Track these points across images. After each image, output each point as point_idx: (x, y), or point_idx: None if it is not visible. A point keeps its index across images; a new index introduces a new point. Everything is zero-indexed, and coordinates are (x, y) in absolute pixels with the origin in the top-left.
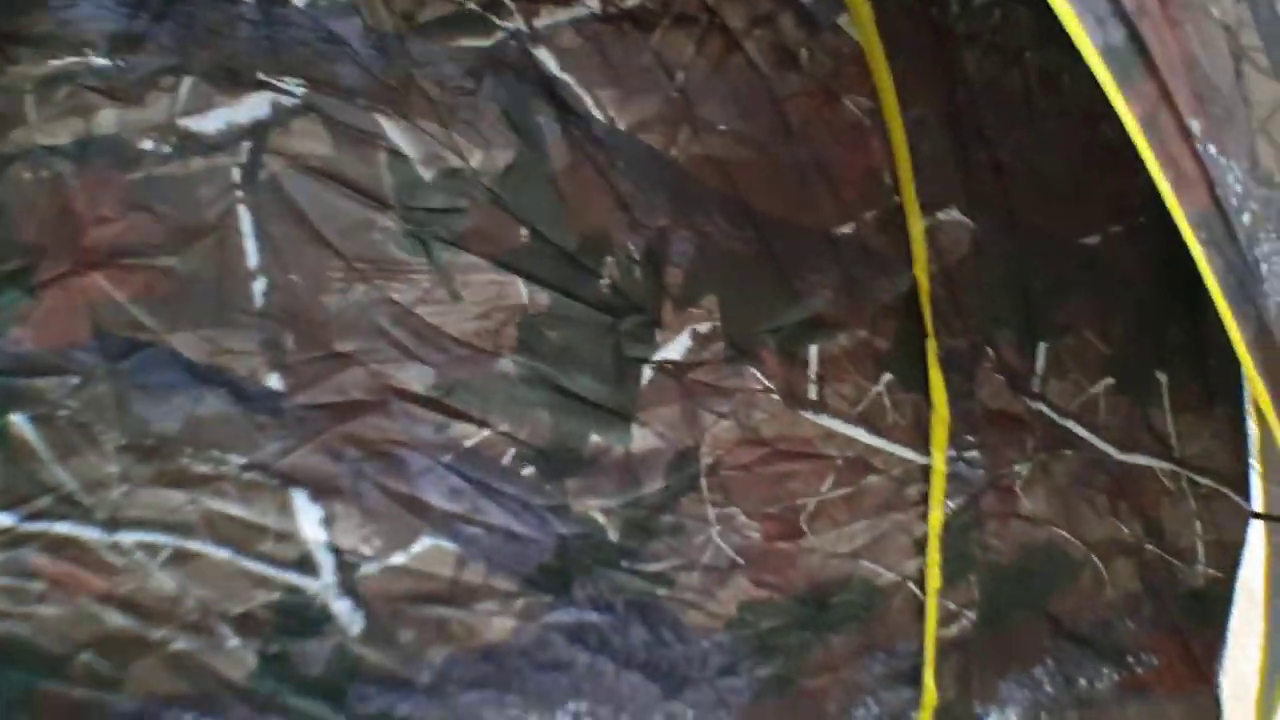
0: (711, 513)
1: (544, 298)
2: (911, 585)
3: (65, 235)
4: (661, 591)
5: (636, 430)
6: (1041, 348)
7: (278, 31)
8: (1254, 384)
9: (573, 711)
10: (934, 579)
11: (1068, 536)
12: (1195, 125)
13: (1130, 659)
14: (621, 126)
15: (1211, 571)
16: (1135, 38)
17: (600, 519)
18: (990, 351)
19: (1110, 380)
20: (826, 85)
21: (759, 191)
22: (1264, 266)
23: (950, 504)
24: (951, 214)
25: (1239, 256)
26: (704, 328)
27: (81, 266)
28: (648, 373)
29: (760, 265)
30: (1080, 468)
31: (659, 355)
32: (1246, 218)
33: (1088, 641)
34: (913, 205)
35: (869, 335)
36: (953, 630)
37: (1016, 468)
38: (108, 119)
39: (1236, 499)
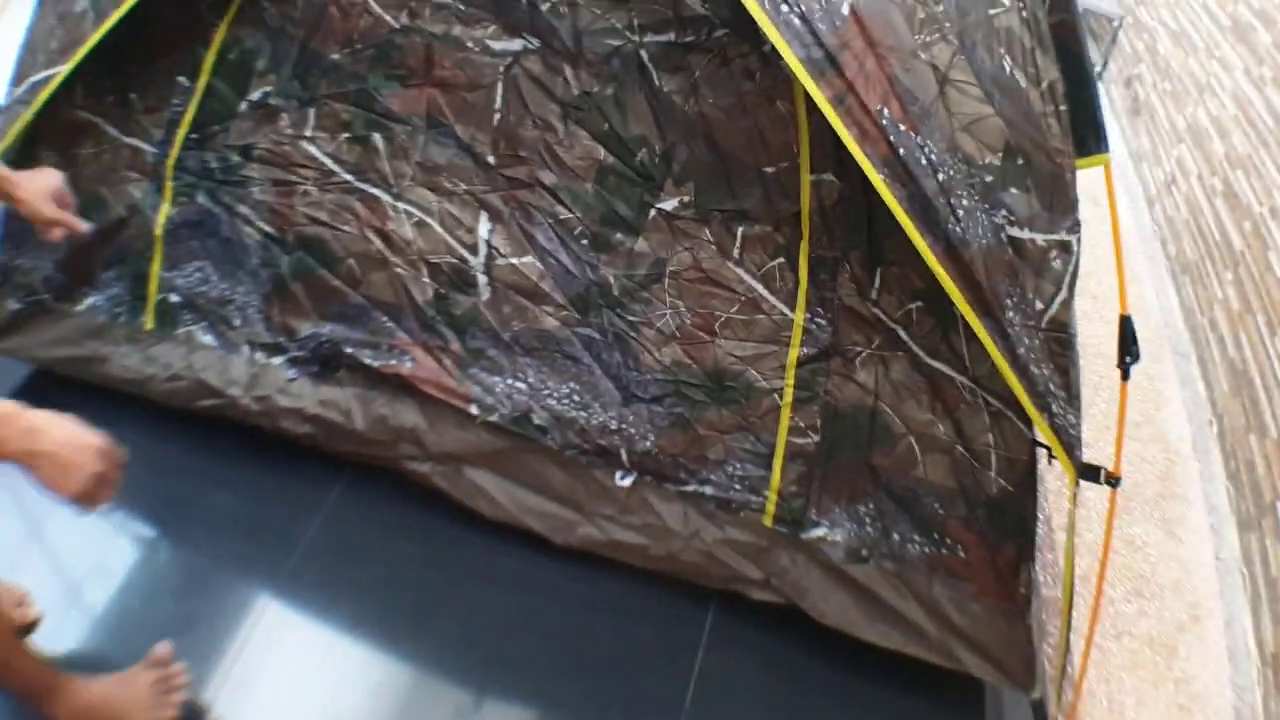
0: (668, 299)
1: (611, 160)
2: (776, 397)
3: (425, 70)
4: (632, 334)
5: (641, 240)
6: (878, 271)
7: (535, 16)
8: (946, 284)
9: (571, 388)
10: (788, 396)
11: (891, 413)
12: (885, 110)
13: (938, 538)
14: (666, 89)
15: (1002, 482)
16: (830, 57)
17: (611, 280)
18: (847, 265)
19: (920, 303)
20: (769, 93)
21: (725, 138)
22: (960, 211)
23: (805, 350)
24: (828, 176)
25: (918, 189)
26: (685, 199)
27: (428, 84)
28: (652, 213)
29: (719, 175)
30: (908, 368)
31: (659, 205)
32: (941, 176)
33: (901, 503)
34: (805, 166)
35: (774, 231)
36: (799, 442)
37: (859, 349)
38: (458, 31)
39: (1018, 423)
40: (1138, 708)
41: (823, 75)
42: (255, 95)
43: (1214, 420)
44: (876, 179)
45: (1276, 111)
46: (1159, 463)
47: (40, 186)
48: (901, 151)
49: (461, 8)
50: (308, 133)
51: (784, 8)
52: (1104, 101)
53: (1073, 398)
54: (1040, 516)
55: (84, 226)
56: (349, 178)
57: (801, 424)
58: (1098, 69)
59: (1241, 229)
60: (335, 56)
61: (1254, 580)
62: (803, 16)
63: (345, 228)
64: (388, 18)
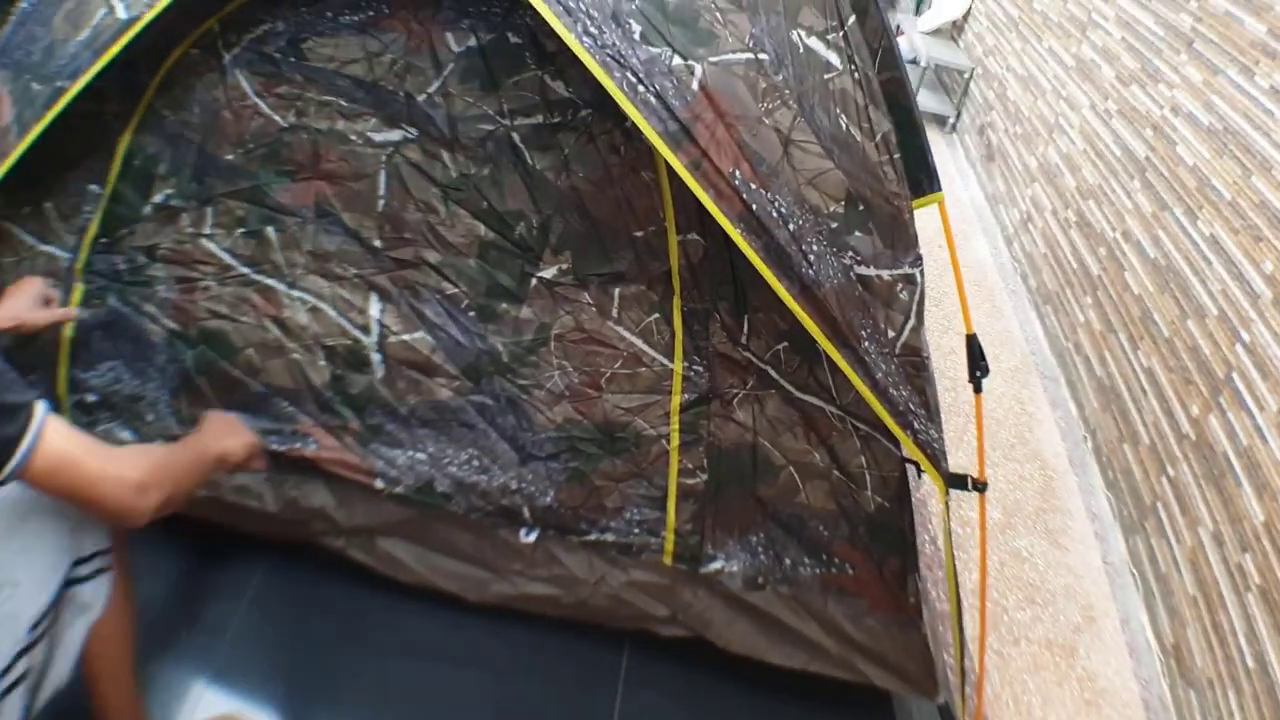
0: (555, 361)
1: (492, 235)
2: (664, 442)
3: (312, 164)
4: (524, 397)
5: (525, 308)
6: (746, 317)
7: (413, 108)
8: (805, 322)
9: (470, 454)
10: (674, 440)
11: (770, 447)
12: (737, 172)
13: (826, 558)
14: (539, 167)
15: (879, 500)
16: (684, 129)
17: (500, 347)
18: (717, 315)
19: (786, 343)
20: (633, 164)
21: (596, 208)
22: (812, 256)
23: (686, 396)
24: (693, 235)
25: (772, 240)
26: (563, 266)
27: (316, 177)
28: (533, 282)
29: (593, 243)
30: (781, 404)
31: (539, 274)
32: (792, 226)
33: (789, 529)
34: (671, 228)
35: (648, 289)
36: (689, 482)
37: (735, 391)
38: (342, 125)
39: (886, 443)
40: (1044, 706)
41: (679, 145)
42: (158, 198)
43: (1088, 435)
44: (734, 233)
45: (1123, 141)
46: (1037, 480)
47: (24, 302)
48: (755, 207)
49: (344, 104)
50: (206, 230)
51: (640, 89)
52: (959, 150)
53: (932, 414)
54: (927, 535)
55: (75, 313)
56: (246, 270)
57: (690, 465)
58: (952, 120)
59: (1097, 255)
60: (229, 157)
61: (1145, 579)
62: (658, 95)
63: (244, 319)
64: (276, 118)
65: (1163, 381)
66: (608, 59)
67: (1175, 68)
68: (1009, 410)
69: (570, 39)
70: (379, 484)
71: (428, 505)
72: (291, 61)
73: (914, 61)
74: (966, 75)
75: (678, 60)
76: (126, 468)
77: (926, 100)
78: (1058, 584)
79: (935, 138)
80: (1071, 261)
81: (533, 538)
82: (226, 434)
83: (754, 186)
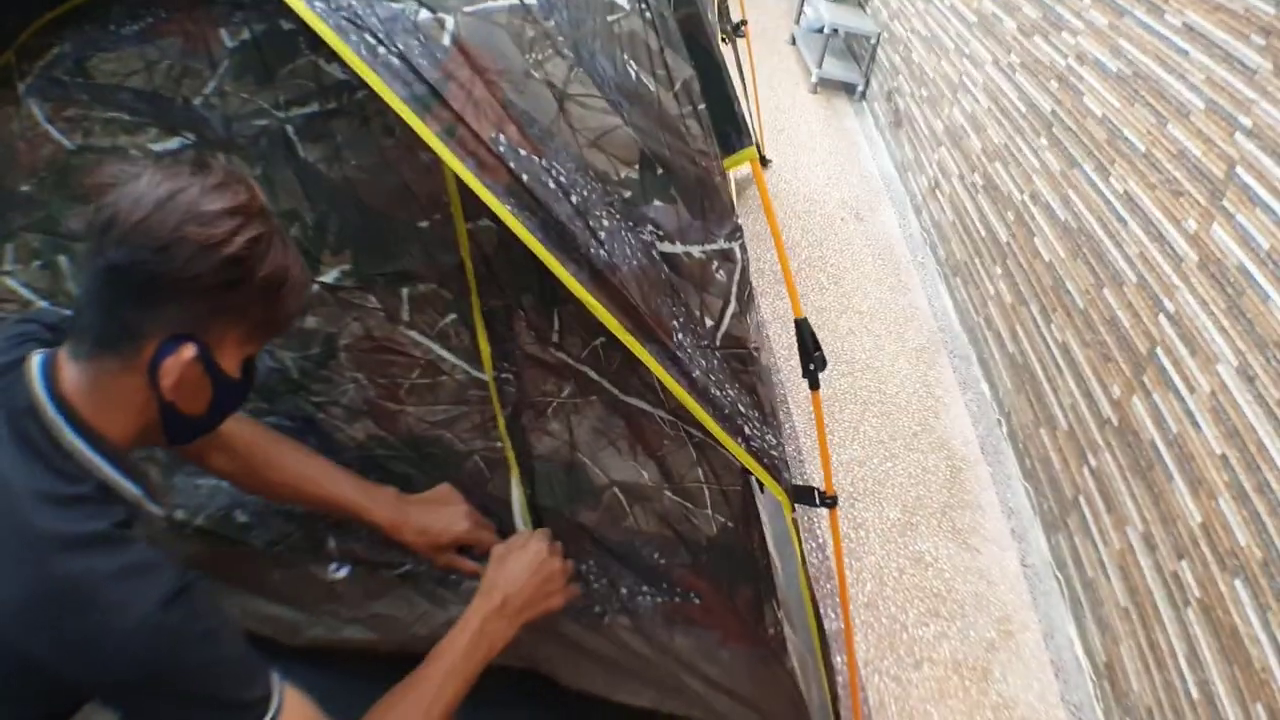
0: (347, 374)
1: None
2: (478, 459)
3: (98, 185)
4: (320, 415)
5: (309, 317)
6: (555, 312)
7: (190, 112)
8: (599, 313)
9: None
10: (510, 455)
11: (591, 465)
12: (501, 136)
13: (667, 587)
14: (310, 159)
15: (720, 519)
16: (433, 91)
17: (289, 363)
18: (522, 312)
19: (604, 338)
20: (410, 145)
21: (374, 198)
22: (602, 233)
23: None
24: (484, 222)
25: (550, 216)
26: (345, 268)
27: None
28: (315, 287)
29: (374, 238)
30: (604, 412)
31: (320, 279)
32: (575, 198)
33: (621, 558)
34: (459, 214)
35: (440, 288)
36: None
37: (550, 399)
38: (124, 140)
39: (724, 451)
40: None
41: (428, 110)
42: None
43: (1002, 419)
44: (502, 210)
45: (1027, 96)
46: (943, 471)
47: (435, 528)
48: (525, 178)
49: (127, 117)
50: (7, 267)
51: (381, 50)
52: (868, 118)
53: (768, 417)
54: (814, 544)
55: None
56: (44, 304)
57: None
58: (860, 88)
59: (1005, 220)
60: (25, 188)
61: (1070, 584)
62: (401, 55)
63: None
64: (65, 141)
65: (1079, 359)
66: (342, 22)
67: (1078, 13)
68: (913, 394)
69: (297, 3)
70: (179, 514)
71: (229, 539)
72: (79, 82)
73: (820, 30)
74: (873, 41)
75: (425, 14)
76: None
77: (834, 69)
78: (967, 592)
79: (844, 107)
80: (980, 228)
81: (343, 574)
82: (531, 605)
83: (523, 152)
